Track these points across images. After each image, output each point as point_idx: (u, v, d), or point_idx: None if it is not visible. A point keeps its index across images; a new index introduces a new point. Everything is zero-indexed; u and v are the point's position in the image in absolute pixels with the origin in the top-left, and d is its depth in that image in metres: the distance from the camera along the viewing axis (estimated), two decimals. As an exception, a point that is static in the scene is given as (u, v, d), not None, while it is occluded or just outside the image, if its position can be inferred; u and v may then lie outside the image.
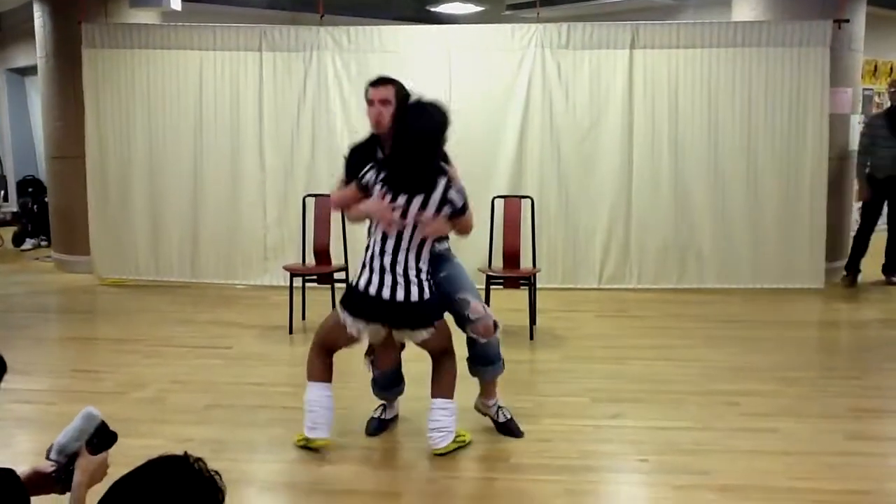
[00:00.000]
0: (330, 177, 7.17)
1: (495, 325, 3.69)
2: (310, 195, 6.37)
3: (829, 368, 5.10)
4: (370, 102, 3.74)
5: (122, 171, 7.56)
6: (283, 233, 7.39)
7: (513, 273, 5.86)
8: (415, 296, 3.45)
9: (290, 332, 5.87)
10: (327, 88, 7.31)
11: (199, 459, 1.53)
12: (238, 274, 7.55)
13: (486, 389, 3.91)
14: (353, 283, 3.53)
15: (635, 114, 7.19)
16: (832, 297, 7.08)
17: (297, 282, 6.01)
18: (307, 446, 3.70)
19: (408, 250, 3.48)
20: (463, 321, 3.70)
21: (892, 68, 11.22)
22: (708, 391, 4.53)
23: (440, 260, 3.75)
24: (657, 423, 4.05)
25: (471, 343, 3.76)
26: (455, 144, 7.75)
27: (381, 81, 3.78)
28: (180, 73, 7.44)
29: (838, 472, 3.48)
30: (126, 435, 3.68)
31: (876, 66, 10.87)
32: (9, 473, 1.78)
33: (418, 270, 3.50)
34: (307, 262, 6.18)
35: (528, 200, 6.20)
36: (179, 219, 7.55)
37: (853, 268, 7.37)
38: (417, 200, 3.46)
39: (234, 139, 7.45)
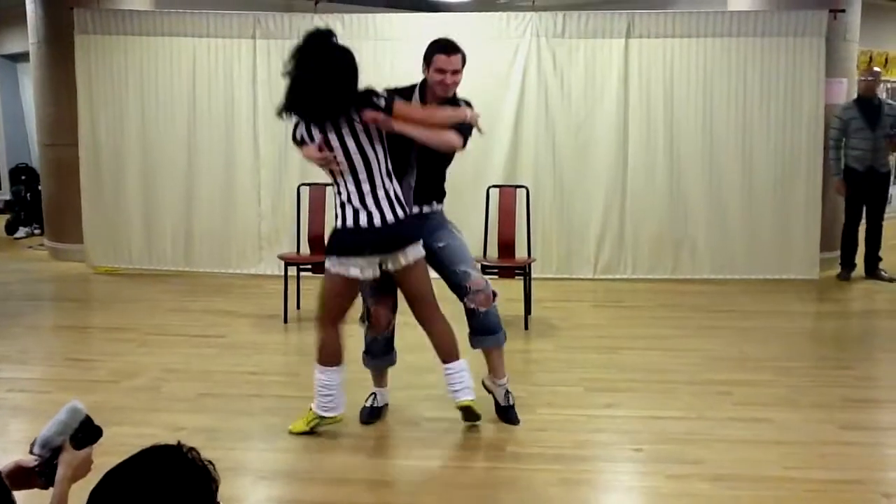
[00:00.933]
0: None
1: (494, 294, 3.75)
2: (304, 184, 6.35)
3: (822, 358, 5.11)
4: (440, 70, 3.70)
5: (115, 158, 7.52)
6: (278, 221, 7.38)
7: (507, 262, 5.86)
8: (401, 214, 3.52)
9: (285, 321, 5.86)
10: (322, 76, 7.27)
11: (192, 449, 1.52)
12: (232, 263, 7.53)
13: (494, 365, 3.91)
14: (340, 227, 3.53)
15: (630, 103, 7.18)
16: (826, 287, 7.10)
17: (292, 271, 6.00)
18: (314, 429, 3.73)
19: (381, 175, 3.51)
20: (462, 292, 3.74)
21: (887, 59, 11.23)
22: (702, 381, 4.55)
23: (438, 228, 3.78)
24: (651, 413, 4.06)
25: (470, 314, 3.79)
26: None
27: (454, 48, 3.78)
28: (173, 60, 7.40)
29: (831, 461, 3.50)
30: (119, 423, 3.71)
31: (871, 57, 10.86)
32: None
33: (395, 192, 3.55)
34: (302, 251, 6.17)
35: (523, 190, 6.19)
36: (173, 207, 7.52)
37: (847, 263, 7.35)
38: (345, 132, 3.46)
39: (228, 127, 7.42)
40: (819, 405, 4.17)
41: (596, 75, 7.18)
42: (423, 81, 3.82)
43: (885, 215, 7.42)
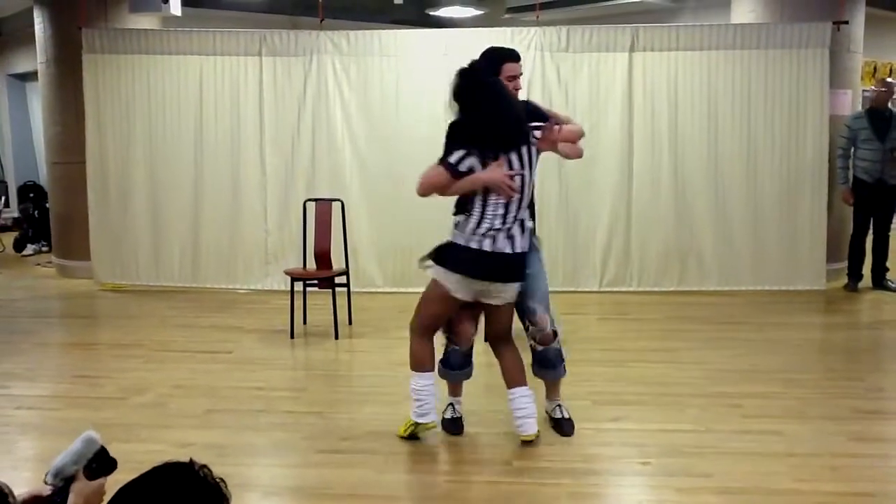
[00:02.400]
0: (331, 180, 7.24)
1: (554, 333, 3.90)
2: (310, 199, 6.37)
3: (831, 370, 5.09)
4: (511, 77, 3.81)
5: (122, 175, 7.56)
6: (284, 237, 7.39)
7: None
8: (527, 246, 3.65)
9: (292, 336, 5.87)
10: (327, 92, 7.32)
11: (203, 466, 1.52)
12: (239, 278, 7.55)
13: (551, 391, 4.08)
14: (473, 247, 3.54)
15: (635, 116, 7.20)
16: (833, 298, 7.08)
17: (298, 286, 6.01)
18: (413, 434, 3.82)
19: (525, 202, 3.61)
20: (525, 325, 3.91)
21: (891, 69, 11.23)
22: (710, 393, 4.53)
23: (529, 250, 3.81)
24: (659, 426, 4.04)
25: (532, 346, 3.95)
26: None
27: (518, 55, 3.91)
28: (180, 78, 7.45)
29: (841, 473, 3.48)
30: (127, 440, 3.71)
31: (875, 68, 10.88)
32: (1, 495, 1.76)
33: (528, 225, 3.68)
34: (308, 266, 6.18)
35: (529, 203, 6.19)
36: (180, 223, 7.55)
37: (855, 274, 7.32)
38: (514, 157, 3.55)
39: (235, 143, 7.45)
40: (829, 417, 4.15)
41: (600, 89, 7.20)
42: None
43: (893, 226, 7.40)
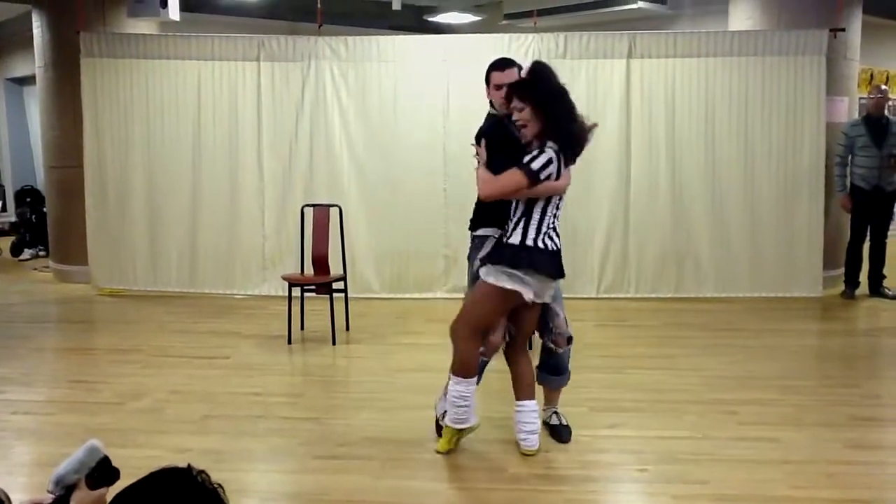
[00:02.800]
0: (329, 186, 7.23)
1: (569, 338, 3.90)
2: (308, 205, 6.37)
3: (827, 377, 5.10)
4: (498, 87, 3.75)
5: (120, 180, 7.56)
6: (282, 242, 7.39)
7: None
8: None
9: (289, 342, 5.86)
10: (325, 98, 7.33)
11: (202, 471, 1.52)
12: (236, 283, 7.55)
13: (551, 397, 4.09)
14: (541, 247, 3.58)
15: (633, 123, 7.21)
16: (830, 305, 7.09)
17: (296, 291, 6.01)
18: (454, 439, 3.79)
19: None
20: (543, 329, 3.88)
21: (888, 76, 11.27)
22: (707, 400, 4.54)
23: None
24: (656, 433, 4.05)
25: (546, 352, 3.95)
26: (453, 155, 7.77)
27: (507, 63, 3.83)
28: (178, 83, 7.45)
29: (838, 480, 3.48)
30: (124, 446, 3.70)
31: (872, 75, 10.91)
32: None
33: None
34: (306, 271, 6.18)
35: (527, 209, 6.19)
36: (178, 228, 7.55)
37: (852, 281, 7.34)
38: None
39: (233, 148, 7.45)
40: (825, 424, 4.16)
41: (598, 96, 7.21)
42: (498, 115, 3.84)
43: (890, 233, 7.42)
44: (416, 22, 11.21)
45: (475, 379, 3.74)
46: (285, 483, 3.58)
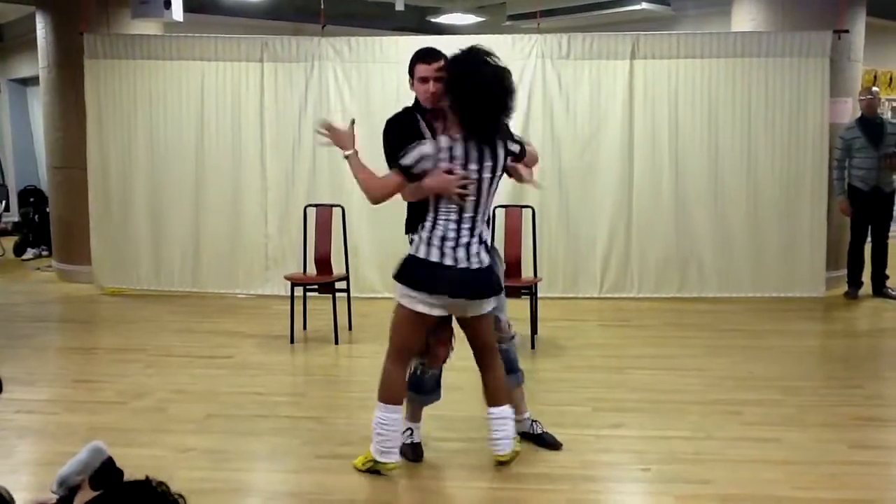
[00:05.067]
0: (331, 186, 7.23)
1: (512, 337, 3.81)
2: (311, 205, 6.38)
3: (830, 378, 5.09)
4: (423, 79, 3.50)
5: (123, 180, 7.57)
6: (284, 242, 7.40)
7: (514, 282, 5.85)
8: (489, 261, 3.44)
9: (292, 341, 5.87)
10: (328, 98, 7.33)
11: (161, 483, 1.50)
12: (239, 283, 7.55)
13: (517, 403, 3.81)
14: (434, 261, 3.31)
15: (636, 124, 7.21)
16: (833, 306, 7.08)
17: (298, 291, 6.02)
18: (373, 469, 3.53)
19: (483, 220, 3.41)
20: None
21: (891, 78, 11.26)
22: (709, 401, 4.53)
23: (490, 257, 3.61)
24: (659, 433, 4.04)
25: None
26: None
27: (434, 55, 3.52)
28: (182, 84, 7.46)
29: (841, 481, 3.48)
30: (127, 445, 3.71)
31: (876, 76, 10.90)
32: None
33: (487, 237, 3.49)
34: (308, 271, 6.18)
35: (529, 210, 6.20)
36: (180, 228, 7.55)
37: (854, 282, 7.33)
38: (487, 166, 3.32)
39: (236, 149, 7.46)
40: (828, 424, 4.15)
41: (601, 96, 7.22)
42: (416, 102, 3.65)
43: (890, 234, 7.41)
44: (419, 23, 11.22)
45: (401, 407, 3.52)
46: (287, 482, 3.58)
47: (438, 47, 3.65)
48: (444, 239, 3.33)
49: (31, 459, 3.80)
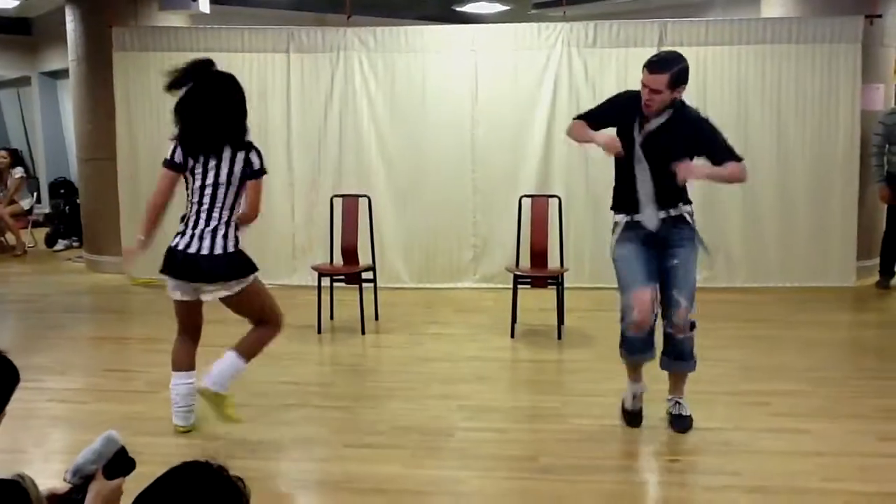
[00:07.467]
0: (357, 176, 7.26)
1: (692, 325, 3.78)
2: (337, 195, 6.40)
3: (860, 368, 5.03)
4: (643, 84, 3.85)
5: (152, 171, 7.53)
6: (311, 233, 7.43)
7: (540, 272, 5.85)
8: (218, 249, 3.82)
9: (319, 331, 5.90)
10: (354, 89, 7.34)
11: (221, 465, 1.51)
12: (267, 273, 7.45)
13: (676, 385, 3.96)
14: (171, 245, 3.86)
15: (663, 112, 7.13)
16: (864, 296, 6.99)
17: (325, 281, 6.04)
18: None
19: (221, 208, 3.86)
20: (665, 315, 3.79)
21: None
22: (738, 391, 4.49)
23: (679, 243, 3.76)
24: (687, 424, 4.01)
25: (667, 338, 3.83)
26: (481, 145, 7.72)
27: (659, 66, 3.89)
28: (209, 75, 7.49)
29: (870, 473, 3.44)
30: (157, 434, 3.75)
31: (909, 62, 10.69)
32: (14, 485, 1.78)
33: (227, 228, 3.86)
34: (335, 261, 6.20)
35: (556, 199, 6.18)
36: (208, 219, 7.59)
37: (887, 271, 7.21)
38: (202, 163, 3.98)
39: (262, 139, 7.43)
40: (858, 416, 4.10)
41: (628, 84, 7.04)
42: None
43: None
44: (444, 12, 11.17)
45: (185, 374, 3.95)
46: (315, 471, 3.60)
47: (663, 59, 4.09)
48: (190, 221, 3.96)
49: (62, 448, 3.85)
